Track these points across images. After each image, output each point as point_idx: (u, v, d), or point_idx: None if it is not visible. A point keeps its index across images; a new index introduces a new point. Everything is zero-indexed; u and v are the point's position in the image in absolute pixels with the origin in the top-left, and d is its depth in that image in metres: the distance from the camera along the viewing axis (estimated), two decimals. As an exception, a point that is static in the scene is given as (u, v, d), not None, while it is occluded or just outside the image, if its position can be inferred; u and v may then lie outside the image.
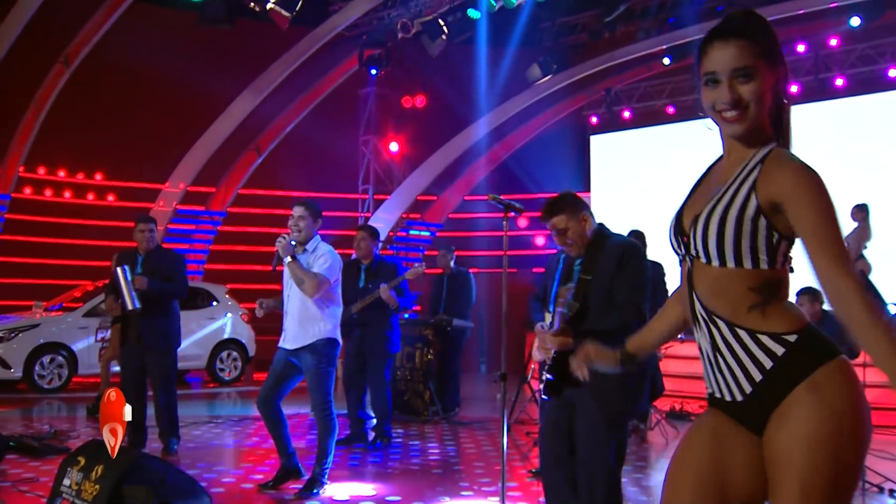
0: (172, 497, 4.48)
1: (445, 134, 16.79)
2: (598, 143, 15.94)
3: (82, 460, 4.62)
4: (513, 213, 4.33)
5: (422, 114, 17.18)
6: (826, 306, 7.16)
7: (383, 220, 17.34)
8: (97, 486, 4.42)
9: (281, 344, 5.68)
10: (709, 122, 2.35)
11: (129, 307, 6.63)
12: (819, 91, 12.95)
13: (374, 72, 14.16)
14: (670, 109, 14.77)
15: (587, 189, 15.94)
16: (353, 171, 17.74)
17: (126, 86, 14.95)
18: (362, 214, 17.66)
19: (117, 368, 9.36)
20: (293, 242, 5.61)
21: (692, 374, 9.87)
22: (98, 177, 16.98)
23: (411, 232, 17.87)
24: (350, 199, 17.79)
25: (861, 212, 10.76)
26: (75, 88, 14.42)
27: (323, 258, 5.57)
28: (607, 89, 15.40)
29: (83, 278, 15.35)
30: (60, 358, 11.52)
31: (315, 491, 5.54)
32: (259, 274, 16.70)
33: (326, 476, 5.65)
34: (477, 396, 11.94)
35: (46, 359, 11.42)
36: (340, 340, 5.72)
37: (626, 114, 15.32)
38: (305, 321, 5.54)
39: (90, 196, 16.92)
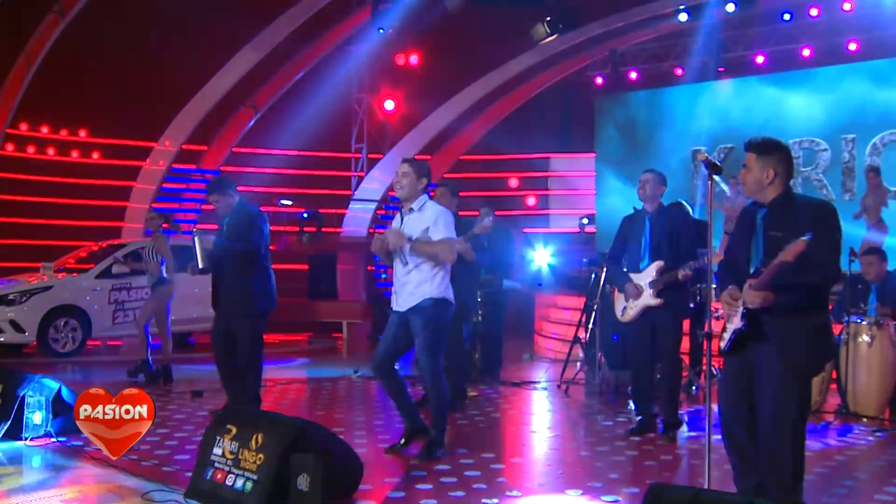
0: (334, 463, 4.32)
1: (443, 93, 16.52)
2: (602, 103, 15.84)
3: (233, 429, 4.41)
4: (715, 175, 4.16)
5: (418, 72, 16.86)
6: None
7: (377, 180, 17.08)
8: (260, 456, 4.22)
9: (394, 307, 5.53)
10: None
11: (199, 267, 6.57)
12: (832, 55, 13.06)
13: (381, 31, 13.76)
14: (678, 71, 14.76)
15: (591, 150, 15.89)
16: (345, 131, 17.38)
17: (123, 39, 14.26)
18: (355, 174, 17.37)
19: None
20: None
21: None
22: (82, 133, 16.31)
23: (407, 192, 17.58)
24: (343, 159, 17.45)
25: (875, 175, 10.92)
26: (69, 41, 13.71)
27: (439, 219, 5.38)
28: (612, 50, 15.28)
29: (73, 238, 14.79)
30: (74, 321, 11.07)
31: (438, 453, 5.42)
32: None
33: (444, 440, 5.54)
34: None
35: (60, 322, 10.95)
36: (452, 300, 5.54)
37: (633, 75, 15.26)
38: (416, 282, 5.40)
39: (74, 154, 16.25)
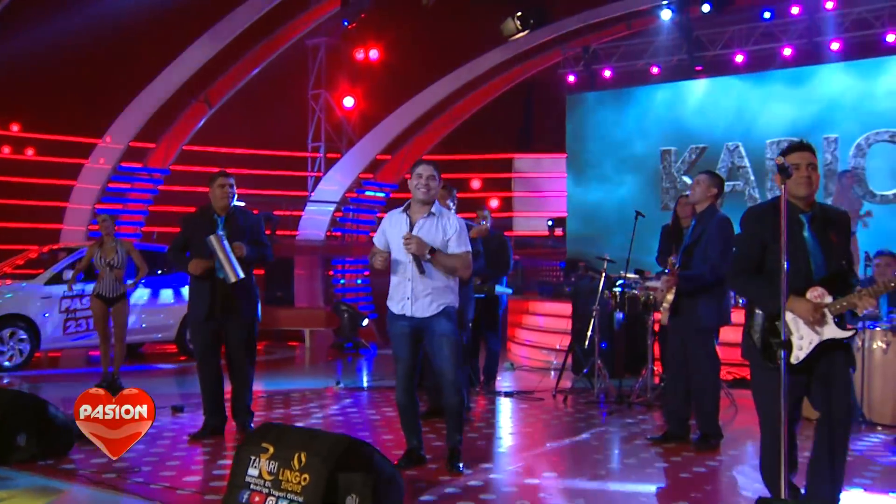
0: (379, 481, 4.17)
1: (405, 90, 16.38)
2: (574, 102, 15.92)
3: (270, 448, 4.22)
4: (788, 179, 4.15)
5: (378, 67, 16.73)
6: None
7: (335, 181, 16.86)
8: (305, 476, 4.05)
9: (408, 313, 5.33)
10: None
11: (233, 279, 6.14)
12: (813, 54, 13.35)
13: (346, 23, 13.58)
14: (654, 69, 14.90)
15: (556, 150, 15.95)
16: (302, 129, 17.12)
17: (63, 25, 13.72)
18: (312, 174, 17.12)
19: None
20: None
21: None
22: (15, 128, 15.73)
23: (367, 193, 17.43)
24: (299, 158, 17.19)
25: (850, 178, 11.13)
26: (1, 26, 13.14)
27: (462, 231, 5.35)
28: (585, 47, 15.36)
29: (7, 242, 14.27)
30: (21, 332, 10.60)
31: (462, 464, 5.39)
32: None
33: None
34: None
35: (5, 333, 10.47)
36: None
37: (607, 73, 15.35)
38: (440, 289, 5.33)
39: (6, 150, 15.66)
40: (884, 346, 7.17)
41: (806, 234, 4.20)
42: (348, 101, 16.90)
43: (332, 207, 16.66)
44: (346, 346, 13.25)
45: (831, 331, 4.10)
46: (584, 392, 8.74)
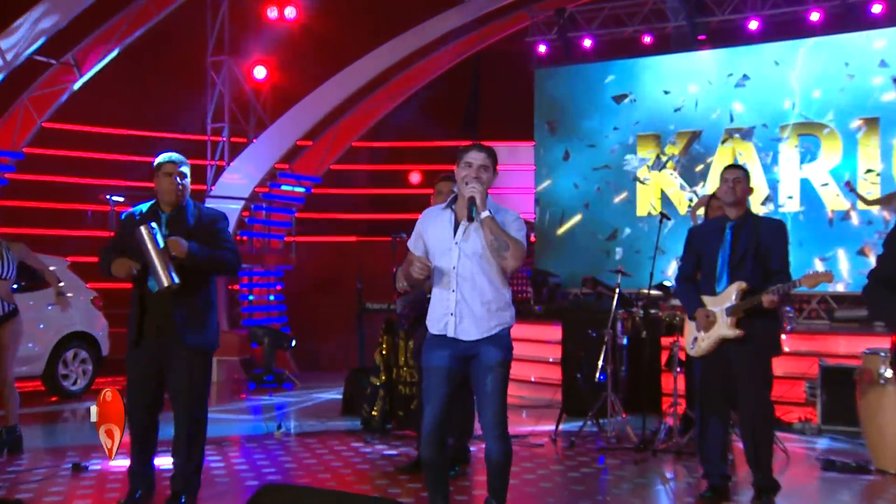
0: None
1: (334, 58, 15.99)
2: (546, 78, 15.74)
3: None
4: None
5: (298, 30, 16.30)
6: None
7: (242, 172, 16.26)
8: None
9: (450, 334, 5.09)
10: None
11: (164, 284, 5.56)
12: (849, 19, 13.26)
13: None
14: (646, 38, 14.81)
15: (529, 137, 15.75)
16: (199, 105, 16.51)
17: None
18: (213, 162, 16.45)
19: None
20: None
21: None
22: None
23: (283, 188, 16.89)
24: (196, 142, 16.52)
25: None
26: None
27: (516, 222, 5.16)
28: (559, 9, 15.21)
29: None
30: None
31: None
32: (67, 240, 15.20)
33: None
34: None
35: None
36: None
37: (587, 42, 15.20)
38: (493, 304, 5.10)
39: None
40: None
41: None
42: (259, 72, 16.34)
43: (238, 205, 16.05)
44: (266, 380, 12.69)
45: None
46: (591, 436, 8.61)
